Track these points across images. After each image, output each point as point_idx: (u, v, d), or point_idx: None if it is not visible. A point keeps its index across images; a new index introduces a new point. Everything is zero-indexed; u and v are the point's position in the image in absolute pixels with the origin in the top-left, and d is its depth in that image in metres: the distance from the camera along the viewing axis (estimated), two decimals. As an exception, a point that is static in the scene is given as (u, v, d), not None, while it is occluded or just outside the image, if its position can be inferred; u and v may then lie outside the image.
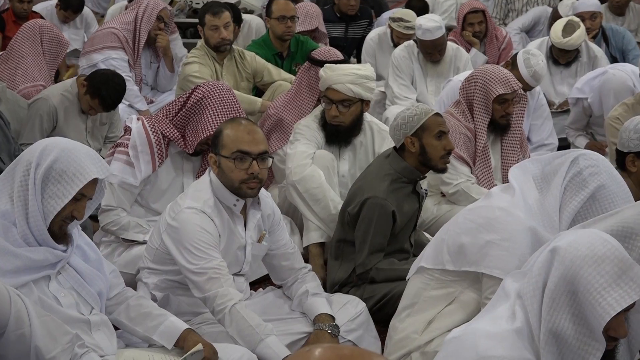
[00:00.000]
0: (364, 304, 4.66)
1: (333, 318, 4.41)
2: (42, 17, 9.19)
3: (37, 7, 9.65)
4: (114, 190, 5.16)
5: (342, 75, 5.60)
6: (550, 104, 8.04)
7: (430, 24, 7.95)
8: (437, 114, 5.13)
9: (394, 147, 5.16)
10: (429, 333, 4.06)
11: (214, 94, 5.18)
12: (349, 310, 4.58)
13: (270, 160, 4.35)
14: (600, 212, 3.68)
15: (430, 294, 4.09)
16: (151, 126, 5.23)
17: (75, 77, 6.97)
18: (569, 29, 8.27)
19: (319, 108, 5.84)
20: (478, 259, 3.87)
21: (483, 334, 2.85)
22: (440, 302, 4.06)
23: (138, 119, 5.32)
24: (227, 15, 7.59)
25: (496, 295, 3.05)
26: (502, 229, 3.82)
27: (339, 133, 5.73)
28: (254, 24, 10.01)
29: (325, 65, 5.77)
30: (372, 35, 9.41)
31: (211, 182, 4.33)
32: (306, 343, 4.35)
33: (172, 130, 5.22)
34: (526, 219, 3.78)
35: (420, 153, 5.04)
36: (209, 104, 5.15)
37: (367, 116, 5.91)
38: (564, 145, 7.68)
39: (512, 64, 6.85)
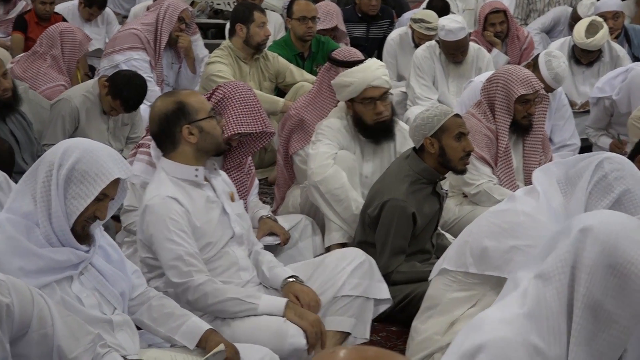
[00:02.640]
0: (361, 253, 4.63)
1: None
2: (64, 18, 9.23)
3: (58, 8, 9.69)
4: (136, 191, 5.16)
5: (375, 71, 5.63)
6: (572, 104, 8.02)
7: (453, 24, 7.93)
8: (457, 115, 5.13)
9: (414, 148, 5.15)
10: (452, 334, 4.04)
11: (235, 94, 5.18)
12: (344, 267, 4.56)
13: None
14: (626, 217, 3.66)
15: (453, 295, 4.08)
16: (173, 127, 5.23)
17: (97, 78, 7.00)
18: (592, 29, 8.23)
19: (342, 109, 5.82)
20: (502, 264, 3.86)
21: (491, 318, 2.84)
22: (463, 304, 4.05)
23: (160, 119, 5.32)
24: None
25: (504, 288, 3.04)
26: (527, 235, 3.79)
27: (387, 126, 5.74)
28: (277, 24, 10.04)
29: (343, 73, 5.75)
30: (394, 35, 9.41)
31: (163, 169, 4.35)
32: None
33: (193, 131, 5.23)
34: (551, 224, 3.74)
35: (440, 154, 5.03)
36: (230, 104, 5.14)
37: (390, 116, 5.91)
38: (586, 145, 7.65)
39: (533, 66, 6.82)
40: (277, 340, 4.06)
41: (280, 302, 4.22)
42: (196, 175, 4.34)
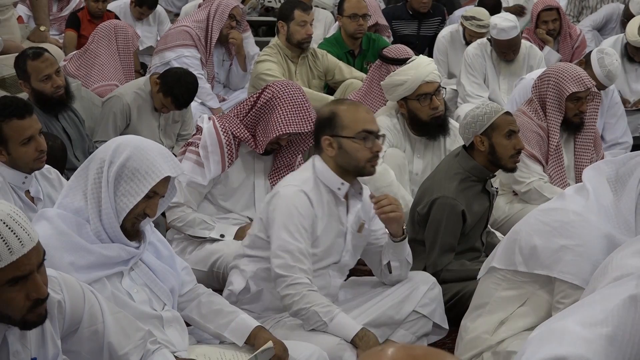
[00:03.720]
0: (433, 278, 4.66)
1: None
2: (116, 16, 9.30)
3: (111, 6, 9.75)
4: (182, 188, 5.19)
5: (427, 66, 5.67)
6: (624, 102, 7.95)
7: (505, 23, 7.89)
8: (507, 113, 5.10)
9: (463, 146, 5.14)
10: (501, 333, 4.02)
11: (284, 93, 5.18)
12: (424, 280, 4.61)
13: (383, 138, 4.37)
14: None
15: (502, 294, 4.05)
16: (222, 126, 5.24)
17: (149, 75, 7.04)
18: (645, 27, 8.17)
19: (391, 107, 5.81)
20: (551, 263, 3.82)
21: (571, 331, 2.75)
22: (512, 303, 4.02)
23: (209, 118, 5.35)
24: (312, 13, 7.72)
25: (591, 295, 2.94)
26: (577, 235, 3.75)
27: (443, 121, 5.74)
28: (327, 21, 10.03)
29: (394, 73, 5.74)
30: (444, 33, 9.37)
31: (314, 166, 4.31)
32: None
33: (242, 131, 5.23)
34: (601, 224, 3.70)
35: (490, 152, 5.01)
36: (278, 103, 5.15)
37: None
38: (638, 144, 7.57)
39: (585, 63, 6.77)
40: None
41: (351, 329, 4.09)
42: (339, 189, 4.31)
